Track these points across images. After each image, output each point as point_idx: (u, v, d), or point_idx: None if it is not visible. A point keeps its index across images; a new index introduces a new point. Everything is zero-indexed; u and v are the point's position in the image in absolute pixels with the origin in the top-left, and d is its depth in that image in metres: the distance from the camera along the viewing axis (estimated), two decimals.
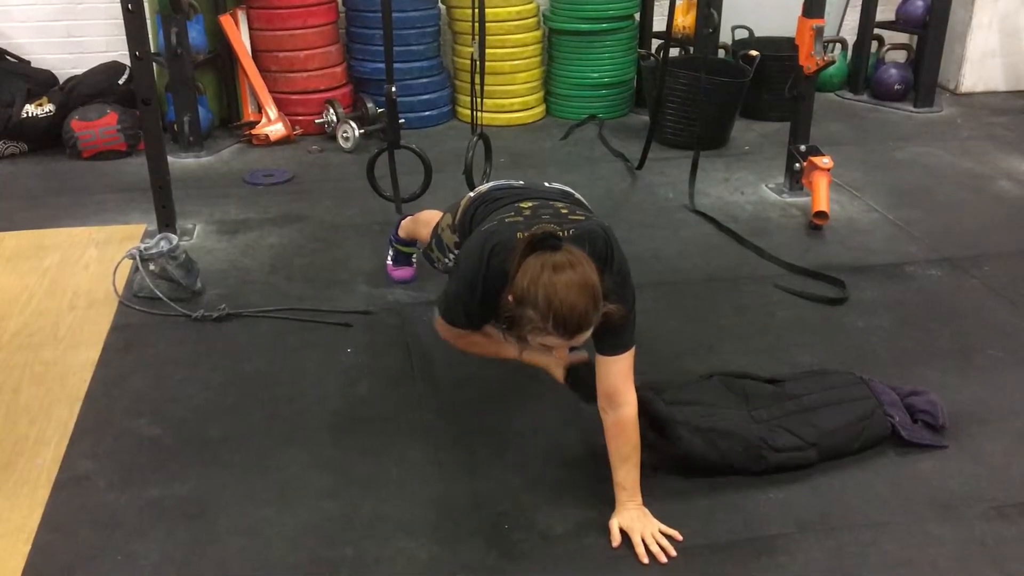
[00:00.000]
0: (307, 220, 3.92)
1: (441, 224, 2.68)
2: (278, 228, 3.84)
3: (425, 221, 2.99)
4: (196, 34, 4.69)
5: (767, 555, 2.12)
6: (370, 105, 4.95)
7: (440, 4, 5.22)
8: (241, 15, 4.88)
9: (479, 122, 3.79)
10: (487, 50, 3.83)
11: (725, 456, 2.34)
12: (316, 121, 4.95)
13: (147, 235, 3.64)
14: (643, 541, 2.12)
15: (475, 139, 3.75)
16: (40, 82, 4.80)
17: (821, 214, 3.87)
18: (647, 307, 3.15)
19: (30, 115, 4.62)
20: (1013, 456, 2.47)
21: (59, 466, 2.37)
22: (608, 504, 2.21)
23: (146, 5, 3.38)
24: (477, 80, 3.71)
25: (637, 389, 2.23)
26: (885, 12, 5.75)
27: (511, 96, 5.25)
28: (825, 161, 3.99)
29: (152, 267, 3.18)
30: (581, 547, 2.15)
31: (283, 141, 4.86)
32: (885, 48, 5.88)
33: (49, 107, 4.66)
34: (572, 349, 2.34)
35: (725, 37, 5.53)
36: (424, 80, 5.16)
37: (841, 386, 2.57)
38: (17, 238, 3.70)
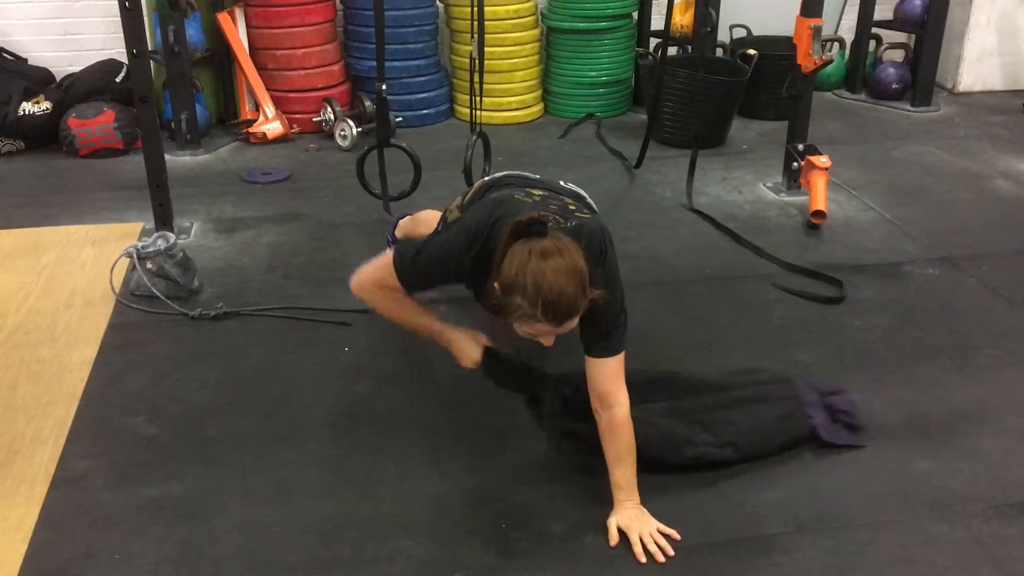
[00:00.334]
0: (305, 218, 3.92)
1: (450, 207, 2.65)
2: (276, 226, 3.83)
3: (425, 221, 2.98)
4: (193, 32, 4.68)
5: (765, 554, 2.12)
6: (368, 103, 4.94)
7: (438, 2, 5.21)
8: (239, 13, 4.87)
9: (478, 121, 3.78)
10: (485, 48, 3.82)
11: (643, 445, 2.24)
12: (314, 119, 4.94)
13: (144, 233, 3.64)
14: (641, 540, 2.12)
15: (474, 138, 3.74)
16: (37, 80, 4.79)
17: (819, 213, 3.87)
18: (645, 306, 3.15)
19: (27, 113, 4.61)
20: (1011, 455, 2.47)
21: (56, 465, 2.37)
22: (606, 503, 2.21)
23: (143, 3, 3.37)
24: (476, 79, 3.71)
25: (557, 384, 2.25)
26: (883, 11, 5.75)
27: (509, 95, 5.25)
28: (823, 160, 3.99)
29: (149, 265, 3.17)
30: (579, 546, 2.15)
31: (281, 139, 4.86)
32: (883, 47, 5.88)
33: (46, 105, 4.65)
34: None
35: (723, 36, 5.52)
36: (422, 78, 5.16)
37: (764, 384, 2.56)
38: (14, 236, 3.69)
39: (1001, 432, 2.57)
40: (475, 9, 3.65)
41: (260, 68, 4.92)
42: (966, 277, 3.48)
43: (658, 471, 2.31)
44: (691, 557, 2.11)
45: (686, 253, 3.67)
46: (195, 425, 2.55)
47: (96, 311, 3.13)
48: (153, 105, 3.48)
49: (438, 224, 2.72)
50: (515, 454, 2.45)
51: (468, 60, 3.72)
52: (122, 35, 3.32)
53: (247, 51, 4.89)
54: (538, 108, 5.43)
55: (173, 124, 4.65)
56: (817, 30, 3.87)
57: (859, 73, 5.85)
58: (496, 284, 1.98)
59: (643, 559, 2.09)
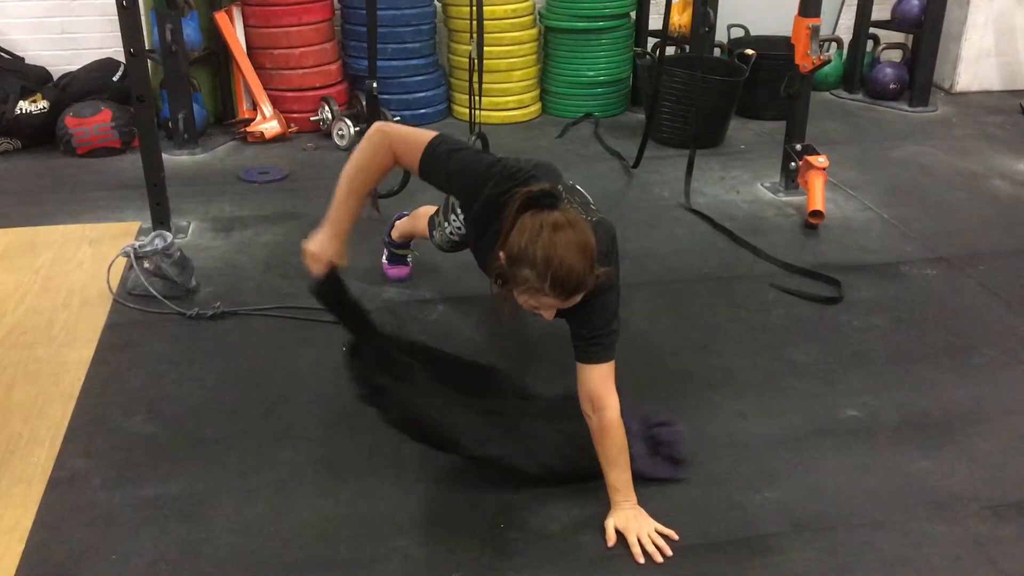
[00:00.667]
0: (302, 218, 3.91)
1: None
2: (273, 226, 3.83)
3: (423, 214, 2.98)
4: (191, 31, 4.68)
5: (763, 554, 2.12)
6: (365, 102, 4.94)
7: (436, 2, 5.21)
8: (236, 12, 4.87)
9: (477, 120, 3.78)
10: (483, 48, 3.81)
11: (437, 433, 2.25)
12: (311, 118, 4.94)
13: (141, 232, 3.64)
14: (639, 541, 2.11)
15: (473, 138, 3.74)
16: (34, 79, 4.79)
17: (817, 213, 3.87)
18: (643, 306, 3.15)
19: (24, 112, 4.60)
20: (1008, 455, 2.48)
21: (53, 464, 2.36)
22: (603, 503, 2.20)
23: (140, 2, 3.36)
24: (475, 79, 3.70)
25: (386, 338, 2.28)
26: (881, 11, 5.76)
27: (507, 94, 5.25)
28: (821, 160, 4.00)
29: (147, 265, 3.17)
30: (577, 546, 2.15)
31: (278, 138, 4.85)
32: (881, 47, 5.89)
33: (43, 104, 4.64)
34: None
35: (721, 36, 5.53)
36: (419, 78, 5.15)
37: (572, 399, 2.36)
38: (10, 235, 3.69)
39: (998, 432, 2.57)
40: (474, 9, 3.64)
41: (258, 67, 4.91)
42: (964, 277, 3.48)
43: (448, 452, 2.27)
44: (689, 557, 2.11)
45: (684, 253, 3.67)
46: (192, 425, 2.55)
47: (93, 310, 3.12)
48: (150, 104, 3.48)
49: (438, 207, 2.71)
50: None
51: (466, 60, 3.71)
52: (119, 34, 3.32)
53: (244, 50, 4.88)
54: (536, 108, 5.43)
55: (170, 123, 4.64)
56: (815, 30, 3.87)
57: (857, 73, 5.86)
58: (502, 253, 1.96)
59: (641, 559, 2.09)
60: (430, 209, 2.91)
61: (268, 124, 4.83)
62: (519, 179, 2.10)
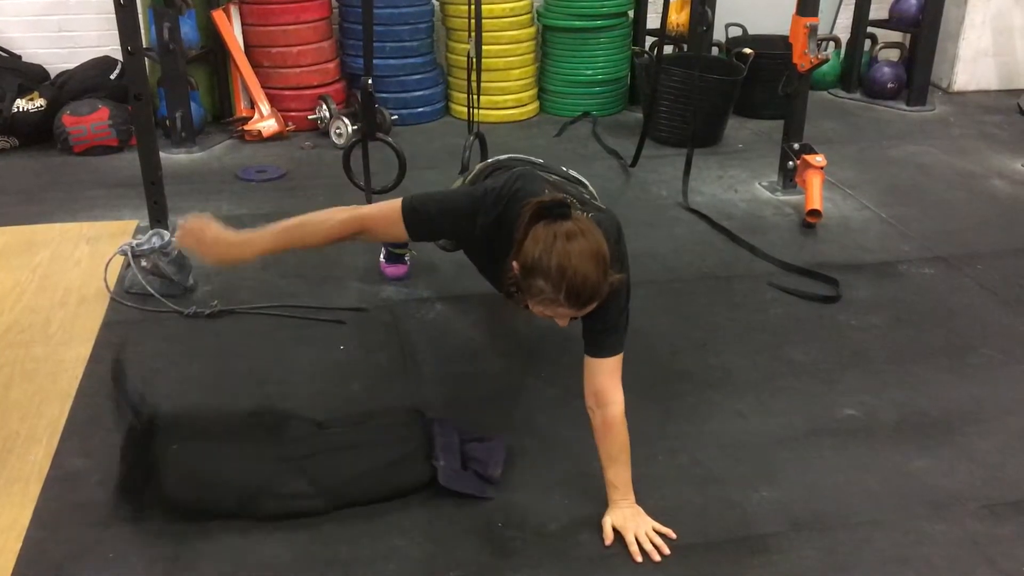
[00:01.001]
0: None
1: (452, 188, 2.63)
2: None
3: None
4: (188, 29, 4.67)
5: (761, 553, 2.12)
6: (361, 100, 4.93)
7: (434, 0, 5.20)
8: (234, 10, 4.86)
9: (475, 119, 3.78)
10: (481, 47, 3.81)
11: (219, 503, 2.17)
12: (309, 117, 4.93)
13: (139, 231, 3.63)
14: (637, 539, 2.11)
15: (472, 138, 3.73)
16: (31, 77, 4.78)
17: (814, 212, 3.87)
18: (641, 305, 3.13)
19: (21, 110, 4.59)
20: (1006, 455, 2.48)
21: (50, 463, 2.36)
22: (601, 502, 2.20)
23: (138, 0, 3.36)
24: (473, 78, 3.70)
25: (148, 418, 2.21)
26: (878, 11, 5.76)
27: (505, 93, 5.25)
28: (818, 159, 4.00)
29: (144, 263, 3.16)
30: (575, 545, 2.14)
31: (276, 137, 4.85)
32: (878, 46, 5.89)
33: (40, 102, 4.63)
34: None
35: (719, 35, 5.53)
36: (418, 76, 5.15)
37: (388, 427, 2.41)
38: (8, 234, 3.68)
39: (996, 431, 2.58)
40: (472, 7, 3.64)
41: (255, 66, 4.91)
42: (961, 276, 3.48)
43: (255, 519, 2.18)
44: (687, 556, 2.11)
45: (682, 252, 3.67)
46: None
47: (90, 309, 3.11)
48: (148, 102, 3.46)
49: None
50: (510, 452, 2.44)
51: (464, 59, 3.71)
52: (117, 32, 3.30)
53: (242, 48, 4.88)
54: (534, 106, 5.43)
55: (168, 121, 4.64)
56: (813, 29, 3.88)
57: (855, 72, 5.86)
58: (516, 263, 1.95)
59: (639, 558, 2.09)
60: None
61: (266, 123, 4.83)
62: (507, 196, 2.11)
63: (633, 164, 4.54)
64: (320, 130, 4.92)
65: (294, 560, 2.08)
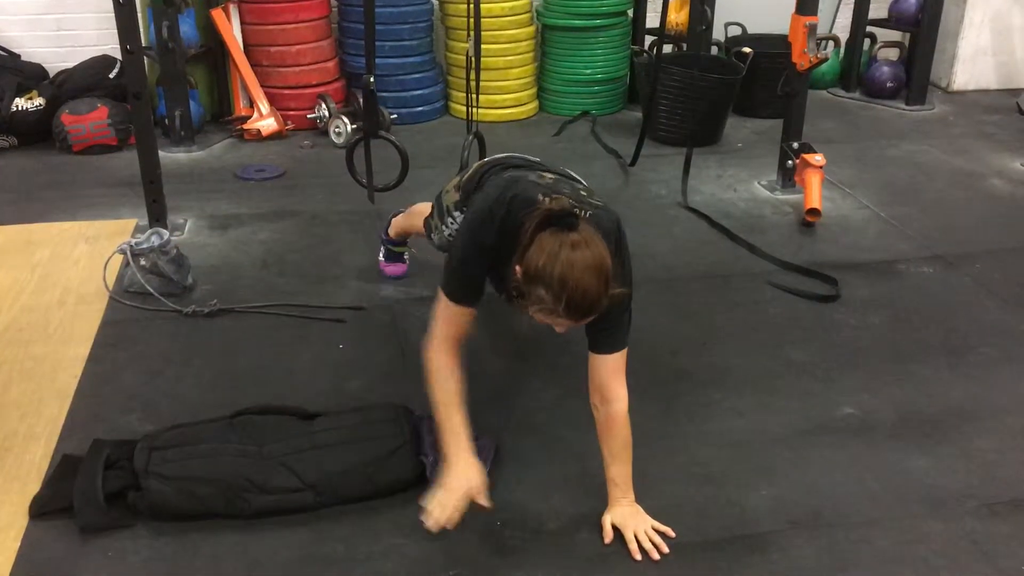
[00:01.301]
0: (299, 215, 3.91)
1: (446, 187, 2.62)
2: (270, 223, 3.82)
3: (418, 212, 2.97)
4: (188, 28, 4.67)
5: (759, 552, 2.12)
6: (362, 99, 4.93)
7: None
8: (233, 9, 4.86)
9: (474, 119, 3.77)
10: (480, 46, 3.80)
11: (205, 503, 2.17)
12: (308, 116, 4.93)
13: (138, 230, 3.63)
14: (636, 538, 2.11)
15: (471, 138, 3.73)
16: (30, 75, 4.78)
17: (813, 211, 3.87)
18: (640, 304, 3.12)
19: (20, 109, 4.59)
20: (1005, 453, 2.48)
21: (49, 462, 2.36)
22: (600, 501, 2.20)
23: None
24: (472, 77, 3.69)
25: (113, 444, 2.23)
26: (878, 10, 5.76)
27: (504, 92, 5.25)
28: (818, 158, 4.00)
29: (143, 262, 3.16)
30: (574, 543, 2.14)
31: (275, 136, 4.85)
32: (878, 46, 5.89)
33: (39, 101, 4.63)
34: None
35: (718, 34, 5.53)
36: (417, 75, 5.15)
37: (374, 423, 2.38)
38: (6, 233, 3.68)
39: (995, 430, 2.58)
40: (471, 6, 3.63)
41: (254, 65, 4.90)
42: (960, 275, 3.49)
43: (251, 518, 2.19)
44: (686, 555, 2.11)
45: (681, 251, 3.67)
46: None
47: (89, 308, 3.11)
48: (147, 101, 3.47)
49: (433, 203, 2.70)
50: (509, 451, 2.44)
51: (463, 58, 3.70)
52: (116, 31, 3.31)
53: (241, 47, 4.88)
54: (533, 106, 5.43)
55: (167, 120, 4.64)
56: (812, 28, 3.88)
57: (854, 71, 5.86)
58: (519, 268, 1.95)
59: (638, 557, 2.09)
60: (425, 207, 2.89)
61: (265, 121, 4.83)
62: (503, 210, 2.09)
63: (632, 163, 4.54)
64: (319, 129, 4.92)
65: (292, 558, 2.08)
